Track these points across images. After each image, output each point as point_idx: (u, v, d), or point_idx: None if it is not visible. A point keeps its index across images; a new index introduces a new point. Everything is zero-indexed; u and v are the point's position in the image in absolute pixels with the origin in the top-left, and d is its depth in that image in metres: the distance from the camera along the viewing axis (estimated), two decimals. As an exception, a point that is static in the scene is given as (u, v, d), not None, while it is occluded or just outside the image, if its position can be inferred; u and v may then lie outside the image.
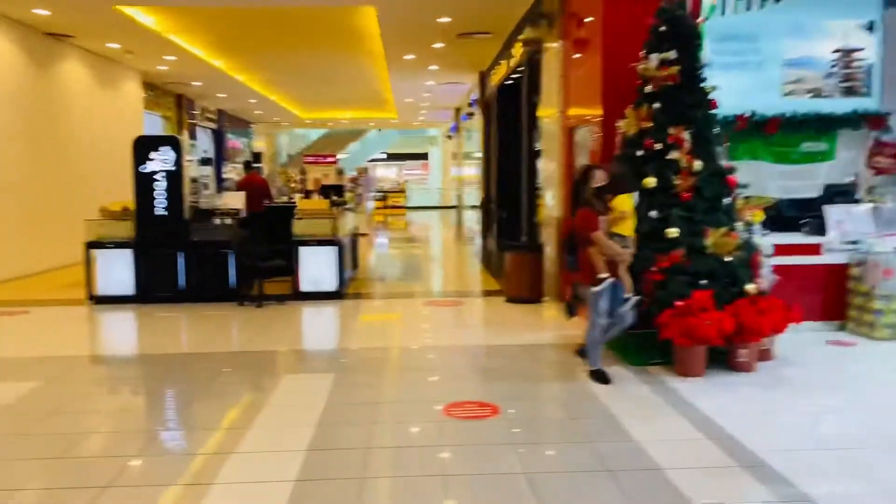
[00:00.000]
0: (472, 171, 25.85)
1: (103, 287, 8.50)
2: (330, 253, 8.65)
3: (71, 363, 5.88)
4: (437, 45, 13.32)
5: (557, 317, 7.52)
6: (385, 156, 40.00)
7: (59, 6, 10.14)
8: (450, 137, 28.12)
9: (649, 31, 5.85)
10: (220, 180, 23.98)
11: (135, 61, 14.81)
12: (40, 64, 11.73)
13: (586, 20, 7.35)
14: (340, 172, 19.02)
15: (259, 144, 32.60)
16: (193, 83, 18.07)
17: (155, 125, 19.81)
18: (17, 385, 5.15)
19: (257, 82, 19.00)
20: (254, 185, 10.37)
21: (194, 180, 21.94)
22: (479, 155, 22.84)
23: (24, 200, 10.96)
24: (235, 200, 8.96)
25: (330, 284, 8.68)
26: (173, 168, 8.44)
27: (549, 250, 8.35)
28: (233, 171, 27.21)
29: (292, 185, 19.24)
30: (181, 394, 5.15)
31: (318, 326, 7.59)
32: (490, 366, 5.63)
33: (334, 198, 9.98)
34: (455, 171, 29.81)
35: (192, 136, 21.48)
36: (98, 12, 10.53)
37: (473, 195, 24.70)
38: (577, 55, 7.64)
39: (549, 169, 8.63)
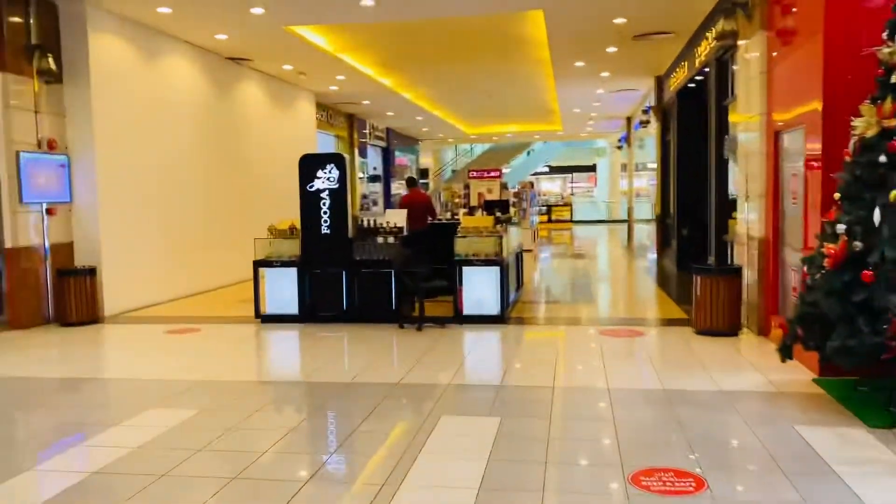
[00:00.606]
0: (643, 182, 24.39)
1: (271, 306, 8.50)
2: (493, 274, 8.06)
3: (230, 389, 5.71)
4: (610, 50, 12.39)
5: (759, 354, 6.36)
6: (548, 169, 39.17)
7: (235, 30, 10.48)
8: (619, 148, 26.78)
9: (894, 7, 4.66)
10: (388, 196, 24.45)
11: (308, 82, 15.26)
12: (221, 87, 12.29)
13: (796, 5, 6.19)
14: (504, 187, 18.49)
15: (425, 161, 33.16)
16: (363, 102, 18.43)
17: (328, 144, 20.51)
18: (177, 412, 4.99)
19: (424, 99, 19.04)
20: (416, 202, 10.05)
21: (364, 196, 22.57)
22: (654, 166, 21.40)
23: (205, 218, 11.46)
24: (398, 218, 8.63)
25: (492, 307, 8.08)
26: (337, 186, 8.27)
27: (750, 274, 7.17)
28: (401, 188, 27.79)
29: (456, 200, 19.03)
30: (331, 434, 4.74)
31: (479, 356, 6.98)
32: (684, 418, 4.69)
33: (498, 214, 9.40)
34: (624, 184, 28.38)
35: (363, 153, 22.02)
36: (270, 34, 10.78)
37: (645, 209, 23.24)
38: (785, 46, 6.47)
39: (746, 180, 7.45)
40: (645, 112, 16.27)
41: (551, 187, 39.41)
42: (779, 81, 6.64)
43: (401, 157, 28.00)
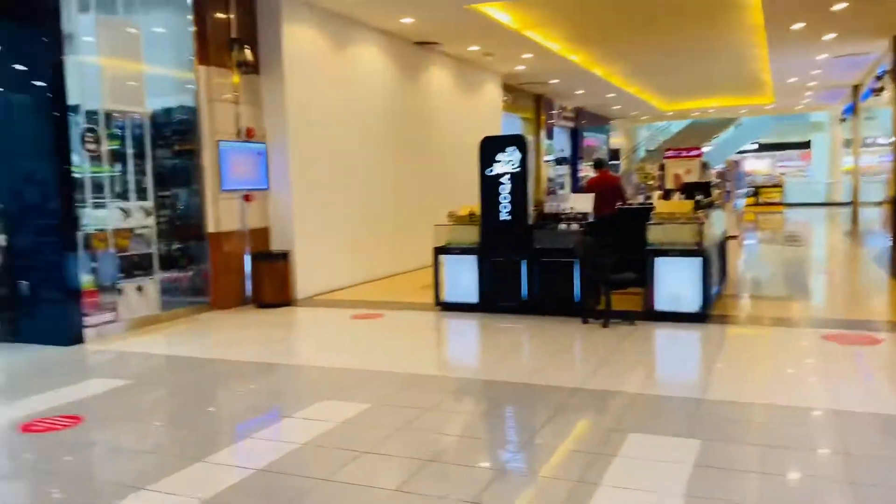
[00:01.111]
0: (872, 160, 21.28)
1: (450, 293, 8.30)
2: (693, 266, 7.17)
3: (406, 382, 5.51)
4: (838, 7, 10.67)
5: None
6: (756, 146, 35.75)
7: (420, 11, 10.36)
8: (843, 121, 23.60)
9: None
10: (575, 180, 23.62)
11: (494, 63, 14.93)
12: (409, 73, 12.32)
13: None
14: (705, 167, 16.95)
15: (616, 141, 31.69)
16: (550, 81, 17.78)
17: (514, 127, 20.15)
18: (351, 406, 4.86)
19: (615, 75, 17.97)
20: (605, 185, 9.33)
21: (550, 180, 21.97)
22: (887, 140, 18.49)
23: (391, 204, 11.58)
24: (582, 203, 8.00)
25: (691, 304, 7.20)
26: (518, 169, 7.82)
27: None
28: (589, 170, 26.79)
29: (650, 182, 17.80)
30: (499, 448, 4.33)
31: (674, 362, 6.20)
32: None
33: (699, 197, 8.41)
34: (848, 161, 25.00)
35: (549, 135, 21.39)
36: (455, 14, 10.54)
37: (874, 190, 20.28)
38: None
39: None
40: (878, 77, 13.98)
41: (758, 166, 35.98)
42: None
43: (590, 138, 26.94)
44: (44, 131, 7.00)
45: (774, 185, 29.64)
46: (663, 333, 6.94)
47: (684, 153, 16.65)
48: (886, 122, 19.35)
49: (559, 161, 23.52)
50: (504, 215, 7.93)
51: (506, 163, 7.85)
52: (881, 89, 13.71)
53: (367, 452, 3.97)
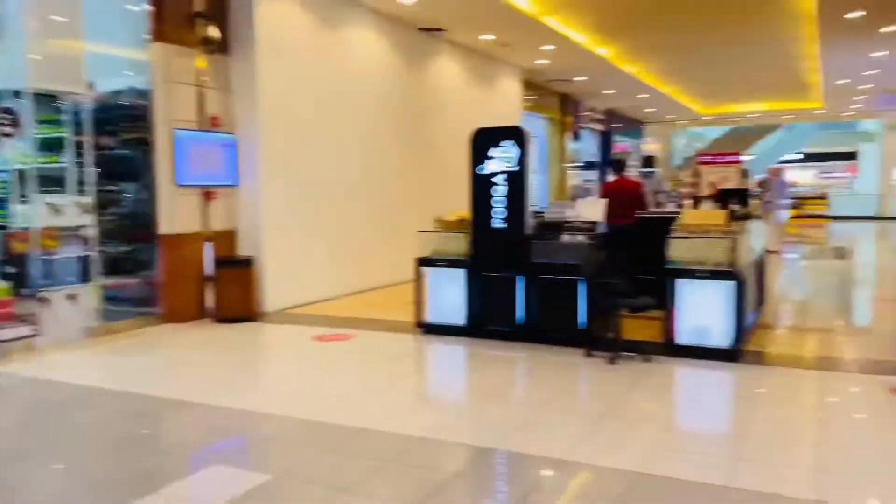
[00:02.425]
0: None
1: (434, 313, 7.05)
2: (724, 291, 5.80)
3: (335, 439, 4.28)
4: (906, -10, 9.19)
5: None
6: (802, 156, 33.79)
7: (418, -10, 9.17)
8: (899, 129, 21.75)
9: None
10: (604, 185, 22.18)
11: (512, 55, 13.63)
12: (412, 63, 11.11)
13: None
14: (745, 174, 15.43)
15: (651, 147, 30.06)
16: (577, 79, 16.41)
17: (538, 127, 18.83)
18: (248, 476, 3.64)
19: (649, 73, 16.54)
20: (622, 191, 7.97)
21: (576, 186, 20.54)
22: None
23: (385, 208, 10.36)
24: (591, 210, 6.67)
25: (720, 337, 5.84)
26: (516, 168, 6.53)
27: None
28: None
29: (683, 189, 16.31)
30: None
31: (697, 419, 4.82)
32: None
33: (735, 207, 7.04)
34: (902, 173, 23.14)
35: (576, 137, 20.00)
36: (459, -6, 9.33)
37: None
38: None
39: None
40: (947, 77, 12.34)
41: (802, 177, 34.02)
42: None
43: (622, 143, 25.44)
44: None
45: (819, 197, 27.82)
46: (685, 375, 5.60)
47: (720, 159, 15.15)
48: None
49: (588, 166, 22.10)
50: (497, 223, 6.65)
51: (501, 159, 6.57)
52: (950, 90, 12.06)
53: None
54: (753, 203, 15.83)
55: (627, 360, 5.85)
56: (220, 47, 7.94)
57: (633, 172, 25.90)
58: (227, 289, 7.79)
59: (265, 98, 8.15)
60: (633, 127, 25.78)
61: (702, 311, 5.90)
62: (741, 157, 15.33)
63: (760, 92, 20.14)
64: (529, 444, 4.07)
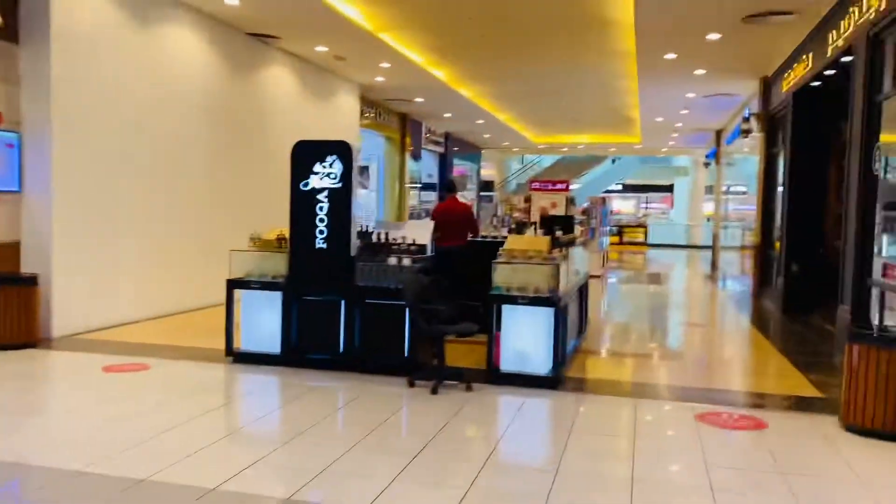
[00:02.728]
0: (734, 207, 21.57)
1: (247, 340, 6.46)
2: (545, 317, 5.77)
3: (122, 490, 3.62)
4: (712, 37, 9.94)
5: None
6: (621, 187, 36.40)
7: (244, -9, 8.59)
8: (707, 165, 23.90)
9: None
10: (442, 207, 22.37)
11: (349, 70, 13.30)
12: (240, 70, 10.43)
13: None
14: (571, 202, 16.11)
15: (488, 172, 30.96)
16: (416, 99, 16.39)
17: (377, 146, 18.62)
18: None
19: (484, 98, 16.88)
20: (453, 213, 7.84)
21: (414, 207, 20.55)
22: (742, 188, 18.71)
23: (207, 221, 9.56)
24: (419, 233, 6.43)
25: (541, 364, 5.79)
26: (339, 185, 6.15)
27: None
28: (460, 198, 25.68)
29: (515, 214, 16.74)
30: None
31: (512, 452, 4.66)
32: None
33: (559, 233, 7.12)
34: (709, 206, 25.44)
35: (416, 157, 20.01)
36: (292, 0, 8.85)
37: (733, 235, 20.42)
38: None
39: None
40: (745, 119, 13.62)
41: (625, 206, 36.64)
42: None
43: (460, 166, 25.92)
44: None
45: (638, 225, 29.96)
46: (504, 405, 5.45)
47: (551, 186, 15.72)
48: (745, 170, 19.56)
49: (426, 187, 22.22)
50: (320, 242, 6.22)
51: (324, 175, 6.17)
52: (748, 131, 13.31)
53: None
54: (579, 230, 16.62)
55: (450, 389, 5.62)
56: (5, 34, 6.90)
57: (470, 196, 26.57)
58: (4, 309, 6.69)
59: (60, 95, 7.18)
60: (472, 151, 26.35)
61: (524, 337, 5.83)
62: (569, 186, 15.95)
63: (588, 124, 21.31)
64: (336, 487, 3.67)
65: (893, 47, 6.48)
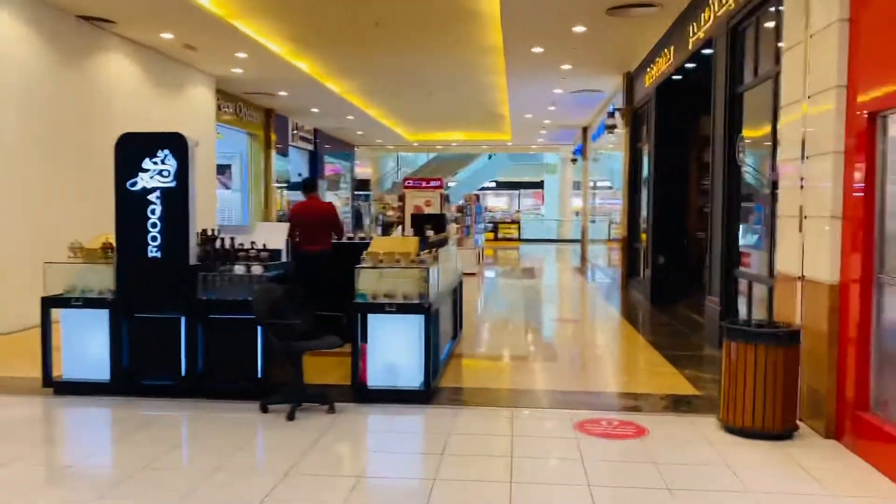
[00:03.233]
0: (599, 201, 22.11)
1: (70, 367, 5.51)
2: (414, 326, 5.27)
3: None
4: (578, 29, 9.84)
5: (843, 478, 3.76)
6: (495, 184, 36.84)
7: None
8: (574, 161, 24.45)
9: None
10: (312, 207, 21.41)
11: (201, 61, 12.24)
12: (70, 55, 9.20)
13: None
14: (446, 199, 15.80)
15: (365, 170, 30.22)
16: (280, 93, 15.45)
17: (241, 143, 17.46)
18: None
19: (353, 94, 16.21)
20: (313, 214, 7.17)
21: (283, 208, 19.51)
22: (607, 184, 19.21)
23: (25, 225, 8.32)
24: (272, 237, 5.73)
25: (412, 377, 5.29)
26: (173, 184, 5.34)
27: (810, 340, 4.54)
28: (331, 198, 24.81)
29: (389, 213, 16.25)
30: None
31: (377, 484, 4.13)
32: None
33: (430, 233, 6.66)
34: (577, 201, 26.10)
35: (284, 155, 19.01)
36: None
37: (600, 228, 20.94)
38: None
39: (797, 198, 4.86)
40: (610, 115, 13.80)
41: (498, 203, 37.14)
42: (879, 31, 4.07)
43: (334, 164, 25.05)
44: None
45: (512, 222, 30.33)
46: (371, 427, 4.89)
47: (425, 184, 15.31)
48: (610, 165, 20.11)
49: (295, 186, 21.18)
50: (153, 251, 5.38)
51: (155, 173, 5.33)
52: (614, 126, 13.49)
53: None
54: (454, 227, 16.35)
55: (311, 411, 4.99)
56: None
57: (344, 195, 25.78)
58: None
59: None
60: (345, 149, 25.54)
61: (393, 349, 5.30)
62: (443, 183, 15.63)
63: (460, 121, 21.14)
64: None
65: (753, 38, 6.50)
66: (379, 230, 13.57)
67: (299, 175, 21.74)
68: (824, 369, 4.45)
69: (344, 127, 21.55)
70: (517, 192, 37.97)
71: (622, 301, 11.46)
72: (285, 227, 6.11)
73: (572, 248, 23.90)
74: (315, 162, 21.95)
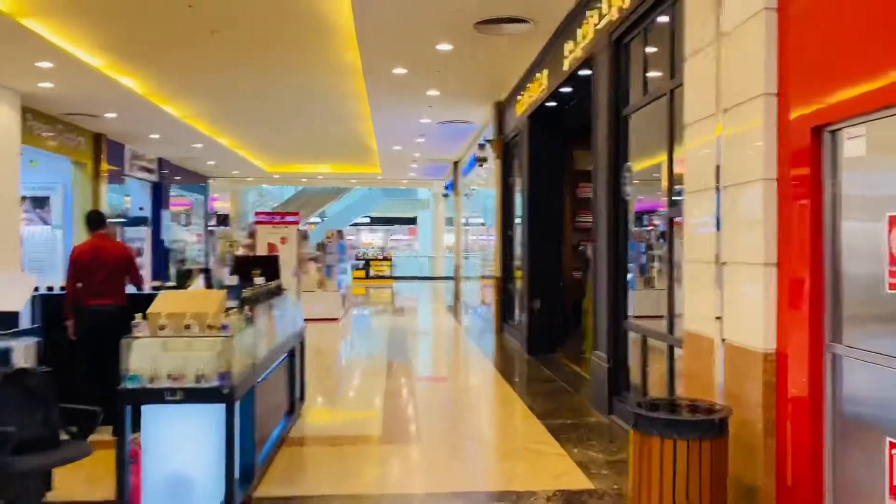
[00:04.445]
0: (474, 238, 21.31)
1: None
2: (210, 419, 3.72)
3: None
4: (443, 48, 8.73)
5: None
6: (369, 219, 35.52)
7: None
8: (446, 196, 23.56)
9: None
10: (156, 244, 19.05)
11: (-4, 70, 10.08)
12: None
13: None
14: (305, 237, 14.22)
15: (224, 205, 27.95)
16: (106, 115, 13.31)
17: (63, 172, 15.04)
18: None
19: (199, 119, 14.33)
20: (101, 258, 5.43)
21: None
22: (480, 220, 18.44)
23: None
24: (8, 291, 4.00)
25: (208, 493, 3.71)
26: None
27: (738, 426, 3.44)
28: (189, 235, 22.47)
29: (238, 252, 14.40)
30: None
31: None
32: None
33: (261, 280, 5.15)
34: (450, 239, 25.24)
35: (119, 185, 16.72)
36: None
37: (475, 266, 20.05)
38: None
39: (710, 239, 3.81)
40: (481, 147, 12.86)
41: (373, 238, 35.81)
42: (823, 18, 3.09)
43: (185, 197, 22.71)
44: None
45: (384, 259, 29.07)
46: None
47: (279, 218, 13.68)
48: (482, 201, 19.39)
49: (136, 221, 18.77)
50: None
51: None
52: (485, 159, 12.54)
53: None
54: (315, 267, 14.75)
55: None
56: None
57: (196, 230, 23.46)
58: None
59: None
60: (197, 181, 23.25)
61: (179, 454, 3.72)
62: (300, 218, 14.06)
63: (326, 152, 19.65)
64: None
65: (641, 51, 5.56)
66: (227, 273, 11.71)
67: (141, 209, 19.37)
68: (759, 465, 3.36)
69: (193, 157, 19.44)
70: (391, 227, 36.84)
71: (497, 350, 10.33)
72: (31, 279, 4.38)
73: (446, 285, 22.85)
74: (159, 194, 19.62)
